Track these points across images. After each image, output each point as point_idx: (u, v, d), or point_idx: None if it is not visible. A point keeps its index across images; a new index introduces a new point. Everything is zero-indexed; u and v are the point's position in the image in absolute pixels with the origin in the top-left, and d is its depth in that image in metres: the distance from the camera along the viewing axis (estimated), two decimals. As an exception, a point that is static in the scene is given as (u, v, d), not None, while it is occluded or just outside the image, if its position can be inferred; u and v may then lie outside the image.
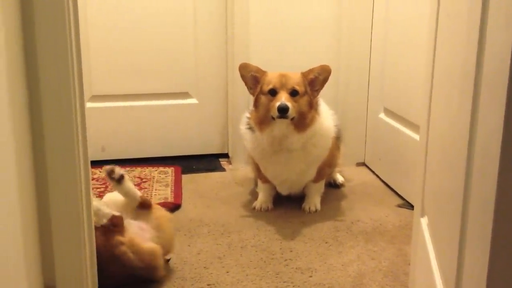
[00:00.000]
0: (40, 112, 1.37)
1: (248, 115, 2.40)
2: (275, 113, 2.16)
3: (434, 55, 1.43)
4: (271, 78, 2.23)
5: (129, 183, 1.83)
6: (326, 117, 2.36)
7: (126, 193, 1.82)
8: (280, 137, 2.23)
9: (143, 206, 1.87)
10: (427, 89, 1.49)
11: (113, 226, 1.70)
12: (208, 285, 1.81)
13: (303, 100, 2.22)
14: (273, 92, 2.21)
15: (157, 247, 1.78)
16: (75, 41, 1.40)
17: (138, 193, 1.86)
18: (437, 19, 1.39)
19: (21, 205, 1.28)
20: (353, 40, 2.88)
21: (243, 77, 2.30)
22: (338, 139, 2.50)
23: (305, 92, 2.23)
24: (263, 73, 2.28)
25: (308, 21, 2.87)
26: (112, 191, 1.95)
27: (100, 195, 2.47)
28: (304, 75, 2.26)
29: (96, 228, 1.64)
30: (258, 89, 2.26)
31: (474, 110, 0.89)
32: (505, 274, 0.78)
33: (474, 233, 0.89)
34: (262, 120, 2.24)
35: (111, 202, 1.86)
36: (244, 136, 2.42)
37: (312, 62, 2.90)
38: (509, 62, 0.71)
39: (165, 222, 1.89)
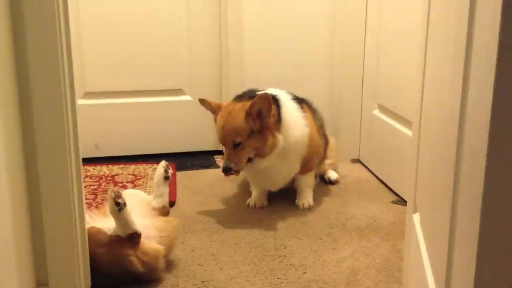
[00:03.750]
0: (30, 110, 1.37)
1: None
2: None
3: (425, 52, 1.43)
4: (217, 128, 2.25)
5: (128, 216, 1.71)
6: (293, 123, 2.29)
7: (121, 224, 1.70)
8: (250, 167, 2.25)
9: (162, 213, 1.96)
10: (419, 85, 1.50)
11: (130, 240, 1.70)
12: (202, 282, 1.81)
13: (251, 142, 2.17)
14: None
15: (161, 248, 1.78)
16: (65, 37, 1.40)
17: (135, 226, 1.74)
18: (428, 15, 1.40)
19: (12, 203, 1.28)
20: (347, 37, 2.88)
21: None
22: (321, 127, 2.48)
23: (251, 132, 2.17)
24: (216, 114, 2.28)
25: (302, 18, 2.87)
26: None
27: (94, 193, 2.47)
28: (248, 113, 2.17)
29: (112, 235, 1.67)
30: None
31: (462, 108, 0.90)
32: (492, 269, 0.79)
33: (463, 230, 0.89)
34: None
35: (131, 197, 1.85)
36: None
37: (306, 59, 2.92)
38: (495, 59, 0.71)
39: (171, 227, 1.91)
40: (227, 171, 2.18)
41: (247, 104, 2.17)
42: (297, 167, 2.38)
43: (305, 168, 2.41)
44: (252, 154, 2.20)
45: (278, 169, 2.33)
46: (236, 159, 2.17)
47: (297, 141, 2.30)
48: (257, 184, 2.45)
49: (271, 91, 2.36)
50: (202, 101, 2.32)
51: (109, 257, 1.67)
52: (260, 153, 2.20)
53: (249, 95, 2.30)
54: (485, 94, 0.75)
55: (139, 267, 1.70)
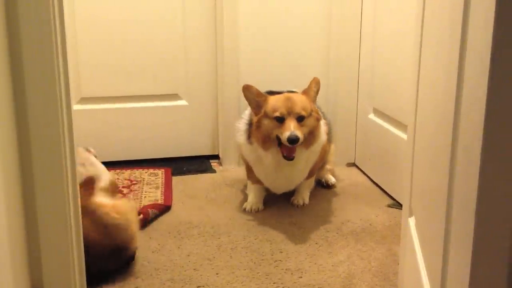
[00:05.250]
0: (26, 115, 1.37)
1: (243, 125, 2.36)
2: (285, 142, 2.15)
3: (420, 54, 1.44)
4: (276, 104, 2.20)
5: None
6: (322, 128, 2.35)
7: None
8: (275, 156, 2.25)
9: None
10: (413, 88, 1.50)
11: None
12: (198, 287, 1.81)
13: (310, 121, 2.22)
14: (280, 119, 2.19)
15: (131, 203, 1.89)
16: (61, 42, 1.40)
17: None
18: (422, 18, 1.40)
19: (7, 207, 1.27)
20: (343, 41, 2.89)
21: (246, 97, 2.27)
22: (328, 133, 2.50)
23: (311, 112, 2.23)
24: (265, 97, 2.25)
25: (297, 20, 2.88)
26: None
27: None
28: (306, 94, 2.26)
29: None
30: (262, 113, 2.23)
31: (456, 110, 0.90)
32: (487, 272, 0.79)
33: (457, 233, 0.90)
34: (266, 141, 2.23)
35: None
36: (241, 147, 2.40)
37: (301, 62, 2.92)
38: (489, 61, 0.71)
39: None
40: (294, 140, 2.13)
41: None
42: (307, 172, 2.39)
43: (311, 173, 2.43)
44: (307, 134, 2.22)
45: (293, 172, 2.33)
46: (299, 131, 2.16)
47: (319, 145, 2.34)
48: (256, 183, 2.44)
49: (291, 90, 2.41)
50: (247, 87, 2.26)
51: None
52: (310, 139, 2.24)
53: (265, 91, 2.36)
54: (479, 96, 0.75)
55: (107, 212, 1.78)
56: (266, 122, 2.21)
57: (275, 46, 2.89)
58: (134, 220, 1.92)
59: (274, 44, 2.88)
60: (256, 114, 2.26)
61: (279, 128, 2.18)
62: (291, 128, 2.14)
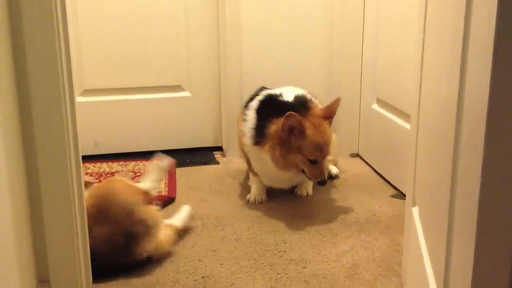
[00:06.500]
0: (29, 108, 1.37)
1: (248, 129, 2.31)
2: (312, 180, 2.26)
3: (423, 45, 1.43)
4: (311, 146, 2.17)
5: None
6: None
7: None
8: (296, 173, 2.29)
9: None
10: (417, 78, 1.50)
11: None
12: (203, 277, 1.82)
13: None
14: (313, 161, 2.19)
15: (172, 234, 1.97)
16: (63, 35, 1.40)
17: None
18: (425, 9, 1.40)
19: (12, 201, 1.28)
20: (345, 31, 2.88)
21: (285, 123, 2.13)
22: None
23: None
24: (304, 128, 2.15)
25: (300, 13, 2.87)
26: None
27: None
28: (330, 122, 2.28)
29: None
30: (295, 147, 2.17)
31: (460, 100, 0.90)
32: (491, 261, 0.79)
33: (461, 222, 0.90)
34: (286, 165, 2.23)
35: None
36: (248, 149, 2.37)
37: (304, 53, 2.92)
38: (492, 51, 0.71)
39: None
40: (324, 183, 2.23)
41: (318, 113, 2.24)
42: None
43: None
44: None
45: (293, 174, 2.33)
46: (326, 170, 2.26)
47: None
48: (268, 183, 2.45)
49: (289, 90, 2.38)
50: (293, 115, 2.12)
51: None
52: None
53: (267, 94, 2.37)
54: (482, 86, 0.75)
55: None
56: (298, 160, 2.20)
57: (277, 38, 2.88)
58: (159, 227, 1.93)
59: (277, 36, 2.88)
60: (281, 133, 2.16)
61: (309, 166, 2.20)
62: (324, 173, 2.21)
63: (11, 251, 1.26)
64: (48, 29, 1.34)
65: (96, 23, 2.85)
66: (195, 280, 1.80)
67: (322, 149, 2.19)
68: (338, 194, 2.51)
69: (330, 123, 2.27)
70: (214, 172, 2.79)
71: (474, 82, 0.81)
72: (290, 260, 1.92)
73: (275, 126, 2.20)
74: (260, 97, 2.38)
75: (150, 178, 2.09)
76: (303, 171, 2.24)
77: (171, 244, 1.96)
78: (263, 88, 2.48)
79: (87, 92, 2.93)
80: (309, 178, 2.26)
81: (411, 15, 2.14)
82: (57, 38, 1.36)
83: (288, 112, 2.11)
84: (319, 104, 2.40)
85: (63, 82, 1.40)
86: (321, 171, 2.20)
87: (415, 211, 1.52)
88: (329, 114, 2.27)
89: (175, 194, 2.49)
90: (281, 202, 2.42)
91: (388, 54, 2.59)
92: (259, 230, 2.15)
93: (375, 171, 2.79)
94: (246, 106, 2.43)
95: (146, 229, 1.84)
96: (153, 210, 1.92)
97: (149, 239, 1.84)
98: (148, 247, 1.84)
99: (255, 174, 2.45)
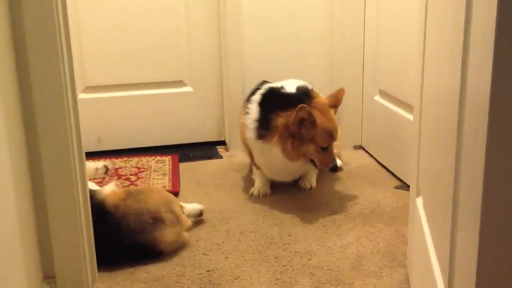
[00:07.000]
0: (32, 105, 1.37)
1: (251, 121, 2.32)
2: (324, 168, 2.31)
3: (424, 35, 1.43)
4: (324, 134, 2.20)
5: None
6: None
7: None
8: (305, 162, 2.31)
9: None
10: (419, 69, 1.49)
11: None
12: (208, 271, 1.82)
13: None
14: (325, 148, 2.23)
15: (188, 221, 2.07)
16: (65, 31, 1.40)
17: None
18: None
19: (16, 197, 1.28)
20: (347, 23, 2.87)
21: (297, 115, 2.14)
22: None
23: None
24: (314, 119, 2.16)
25: (301, 6, 2.86)
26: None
27: (99, 186, 2.48)
28: (336, 110, 2.33)
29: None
30: (308, 138, 2.19)
31: (462, 90, 0.90)
32: (495, 251, 0.79)
33: (465, 211, 0.90)
34: (297, 156, 2.24)
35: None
36: (251, 143, 2.37)
37: (306, 46, 2.91)
38: (493, 40, 0.71)
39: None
40: (336, 169, 2.32)
41: (323, 101, 2.28)
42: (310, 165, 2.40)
43: None
44: None
45: (296, 166, 2.33)
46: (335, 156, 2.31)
47: None
48: (271, 176, 2.45)
49: (291, 82, 2.38)
50: (304, 108, 2.14)
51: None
52: None
53: (269, 87, 2.39)
54: (484, 76, 0.75)
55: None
56: (311, 150, 2.22)
57: (278, 31, 2.87)
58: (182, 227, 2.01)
59: (278, 29, 2.87)
60: (291, 125, 2.17)
61: (320, 154, 2.23)
62: (335, 158, 2.26)
63: (16, 248, 1.27)
64: (49, 26, 1.34)
65: (97, 19, 2.85)
66: (200, 274, 1.80)
67: (332, 135, 2.24)
68: (342, 186, 2.51)
69: (335, 112, 2.31)
70: (218, 167, 2.79)
71: (476, 72, 0.81)
72: (295, 252, 1.93)
73: (281, 119, 2.20)
74: (262, 90, 2.38)
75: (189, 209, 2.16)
76: (311, 161, 2.27)
77: (182, 245, 1.99)
78: (264, 82, 2.48)
79: (89, 89, 2.93)
80: (320, 168, 2.30)
81: (412, 5, 2.13)
82: (59, 35, 1.36)
83: (300, 105, 2.13)
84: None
85: (65, 79, 1.40)
86: (332, 157, 2.24)
87: (419, 201, 1.52)
88: (334, 104, 2.31)
89: (179, 188, 2.49)
90: (285, 195, 2.42)
91: (390, 45, 2.59)
92: (264, 223, 2.15)
93: (378, 162, 2.79)
94: (248, 100, 2.43)
95: (173, 220, 1.93)
96: (183, 215, 2.04)
97: (171, 229, 1.92)
98: (168, 237, 1.90)
99: (258, 168, 2.45)
